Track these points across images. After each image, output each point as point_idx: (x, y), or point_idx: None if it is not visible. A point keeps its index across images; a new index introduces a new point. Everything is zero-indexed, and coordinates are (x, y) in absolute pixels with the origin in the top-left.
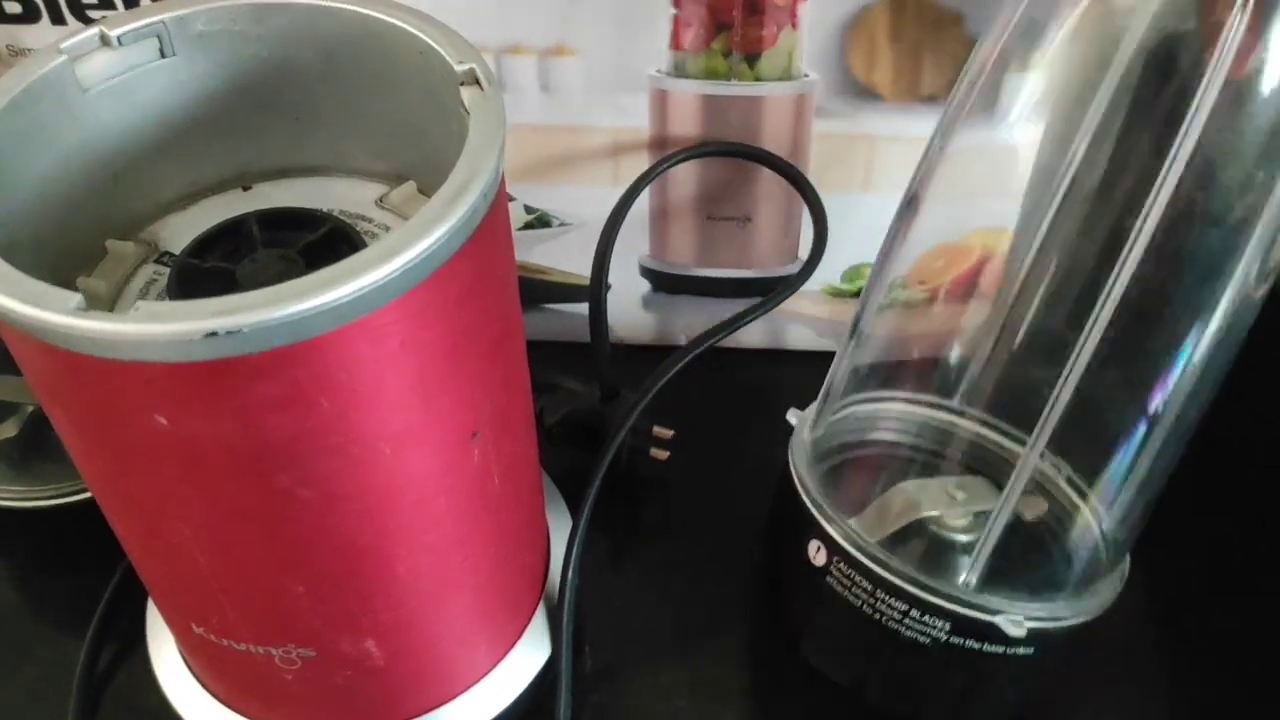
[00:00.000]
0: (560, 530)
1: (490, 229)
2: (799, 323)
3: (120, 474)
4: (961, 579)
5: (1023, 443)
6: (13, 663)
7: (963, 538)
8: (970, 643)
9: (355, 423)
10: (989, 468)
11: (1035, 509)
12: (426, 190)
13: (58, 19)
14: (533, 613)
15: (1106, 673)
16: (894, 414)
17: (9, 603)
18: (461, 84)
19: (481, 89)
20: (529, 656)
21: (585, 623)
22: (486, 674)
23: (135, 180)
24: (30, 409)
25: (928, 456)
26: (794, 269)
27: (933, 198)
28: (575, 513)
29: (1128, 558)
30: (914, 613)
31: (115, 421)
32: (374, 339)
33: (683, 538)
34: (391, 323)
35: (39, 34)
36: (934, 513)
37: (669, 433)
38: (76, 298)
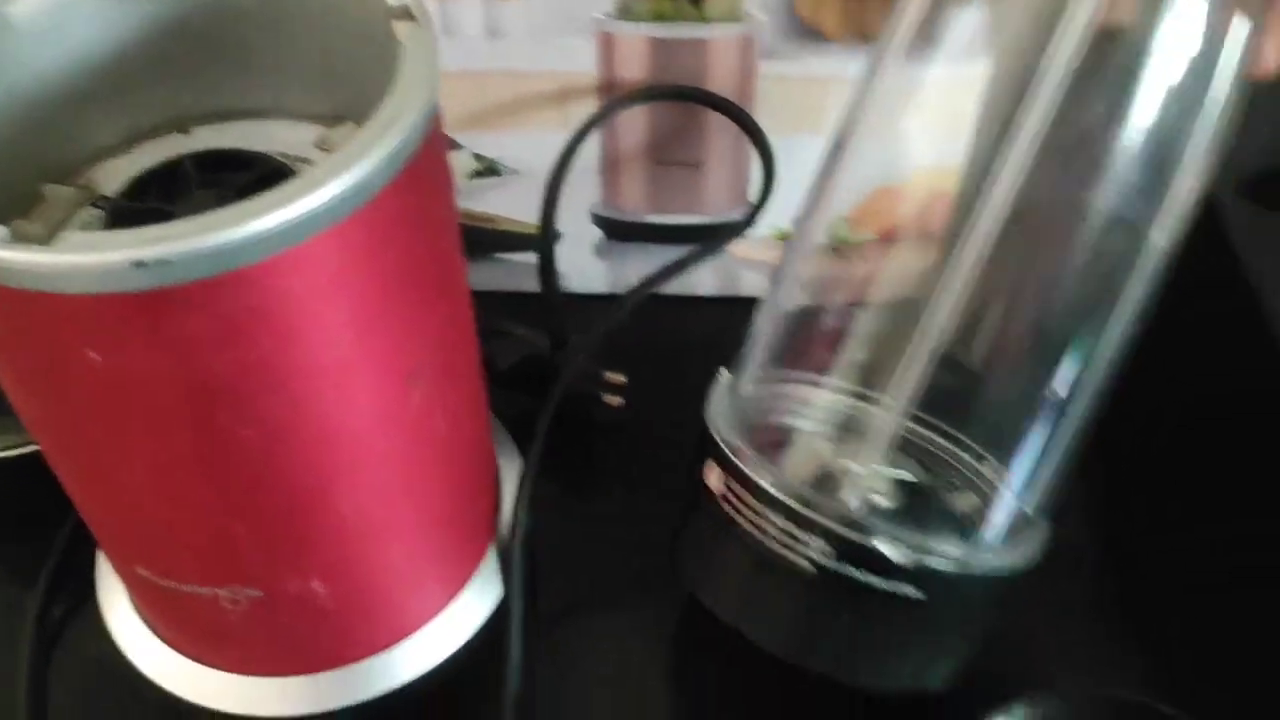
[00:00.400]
0: (512, 475)
1: (425, 163)
2: (752, 269)
3: (57, 415)
4: (851, 501)
5: (954, 440)
6: None
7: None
8: (851, 570)
9: (292, 359)
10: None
11: (967, 503)
12: None
13: None
14: (484, 553)
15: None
16: (823, 403)
17: None
18: (394, 18)
19: (414, 21)
20: (481, 597)
21: (538, 565)
22: (438, 614)
23: (71, 124)
24: None
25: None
26: (746, 213)
27: (869, 136)
28: (526, 455)
29: (1048, 524)
30: (798, 531)
31: (48, 359)
32: (306, 271)
33: (636, 482)
34: (323, 255)
35: None
36: (849, 464)
37: (621, 378)
38: (2, 230)
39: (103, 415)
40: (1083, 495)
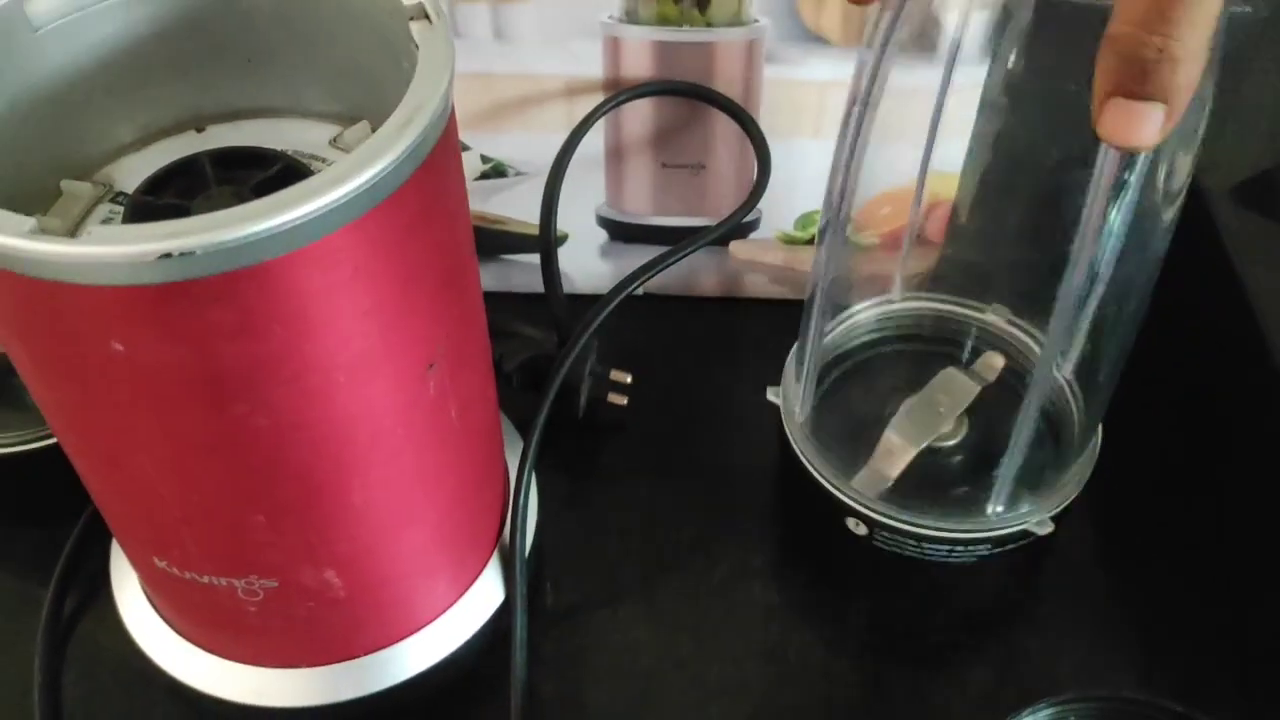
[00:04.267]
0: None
1: (441, 159)
2: (754, 270)
3: (80, 405)
4: (989, 510)
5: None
6: None
7: (953, 442)
8: (1008, 548)
9: (310, 351)
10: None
11: (994, 366)
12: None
13: None
14: (493, 550)
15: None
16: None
17: None
18: (410, 19)
19: (430, 22)
20: (490, 592)
21: (546, 561)
22: (448, 608)
23: (88, 122)
24: None
25: (899, 354)
26: (750, 215)
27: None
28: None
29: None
30: (959, 548)
31: (72, 349)
32: (326, 265)
33: (642, 479)
34: (343, 249)
35: None
36: (929, 443)
37: (627, 377)
38: (30, 221)
39: (122, 404)
40: (1083, 501)
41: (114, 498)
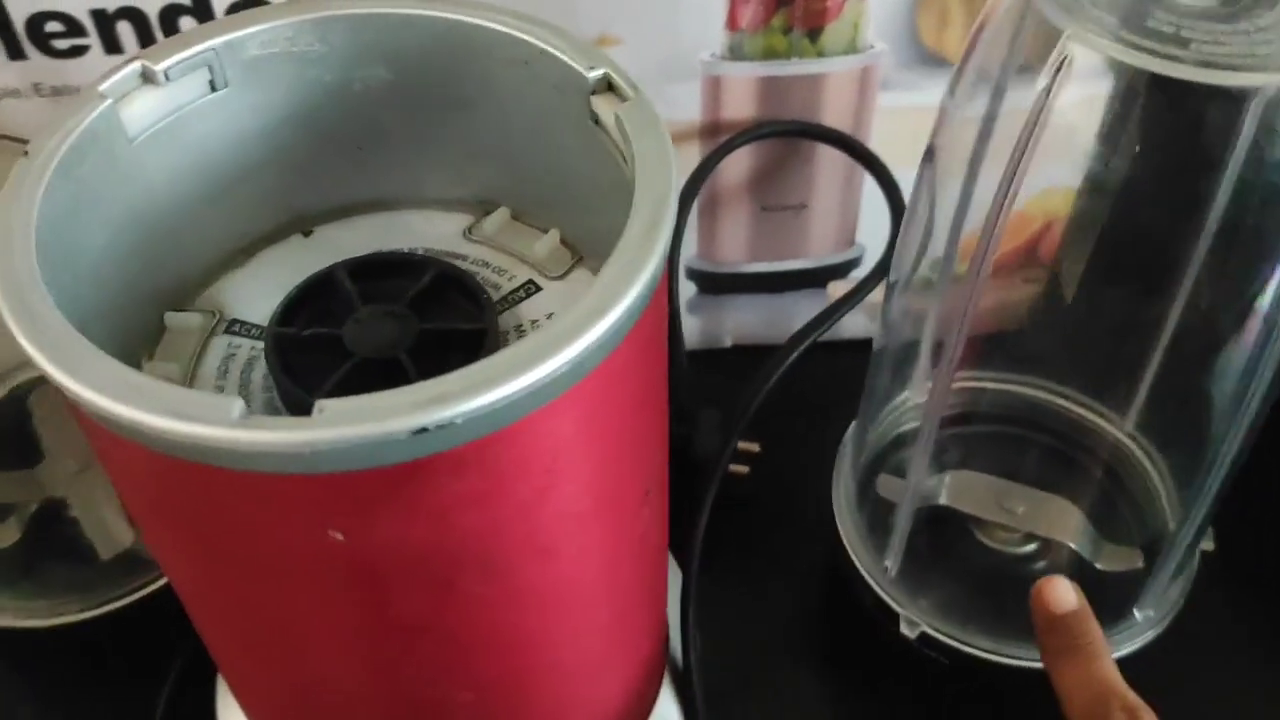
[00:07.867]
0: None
1: (666, 270)
2: (856, 311)
3: (256, 595)
4: (1140, 616)
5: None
6: None
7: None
8: None
9: (547, 506)
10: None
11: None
12: (520, 216)
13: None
14: (663, 673)
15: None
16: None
17: None
18: (593, 93)
19: (621, 99)
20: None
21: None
22: None
23: (185, 239)
24: (33, 507)
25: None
26: (852, 254)
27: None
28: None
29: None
30: None
31: (268, 542)
32: (577, 412)
33: (759, 554)
34: (593, 392)
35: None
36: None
37: (755, 447)
38: (238, 404)
39: (321, 593)
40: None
41: (275, 688)
